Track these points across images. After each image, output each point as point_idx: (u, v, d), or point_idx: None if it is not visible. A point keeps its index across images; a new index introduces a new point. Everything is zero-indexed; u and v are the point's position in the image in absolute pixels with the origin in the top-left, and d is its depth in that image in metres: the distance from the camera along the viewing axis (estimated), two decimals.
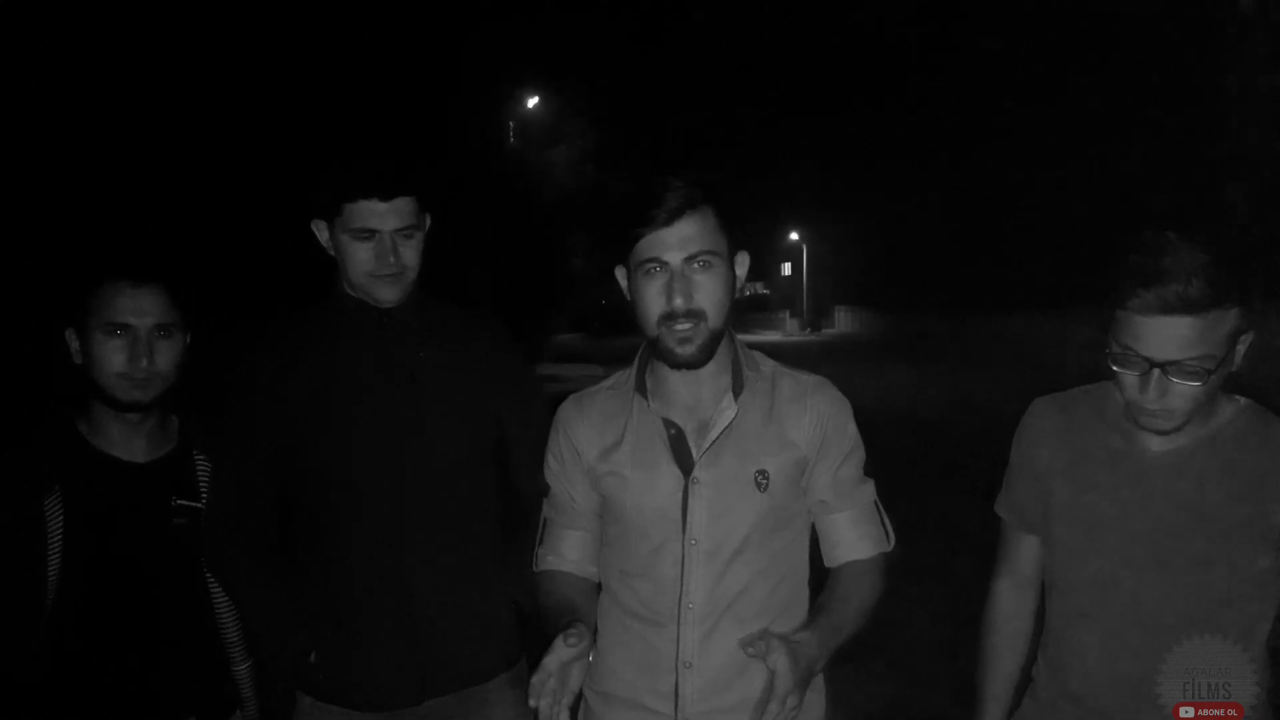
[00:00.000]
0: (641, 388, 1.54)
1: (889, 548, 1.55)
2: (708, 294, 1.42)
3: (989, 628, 1.69)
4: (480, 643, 1.79)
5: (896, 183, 33.85)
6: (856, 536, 1.53)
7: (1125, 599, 1.44)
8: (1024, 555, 1.65)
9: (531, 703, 1.24)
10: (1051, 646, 1.58)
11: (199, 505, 1.74)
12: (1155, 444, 1.43)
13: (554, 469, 1.62)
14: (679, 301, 1.40)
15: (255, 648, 1.82)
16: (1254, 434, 1.40)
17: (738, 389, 1.51)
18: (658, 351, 1.47)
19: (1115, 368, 1.36)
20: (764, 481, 1.47)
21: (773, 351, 1.65)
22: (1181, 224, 1.30)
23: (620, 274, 1.50)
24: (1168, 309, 1.25)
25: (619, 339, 22.87)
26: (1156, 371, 1.30)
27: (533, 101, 19.40)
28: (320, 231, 1.74)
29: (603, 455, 1.54)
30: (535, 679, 1.25)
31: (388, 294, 1.71)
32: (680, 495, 1.47)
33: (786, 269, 50.03)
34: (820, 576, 1.57)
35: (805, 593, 1.56)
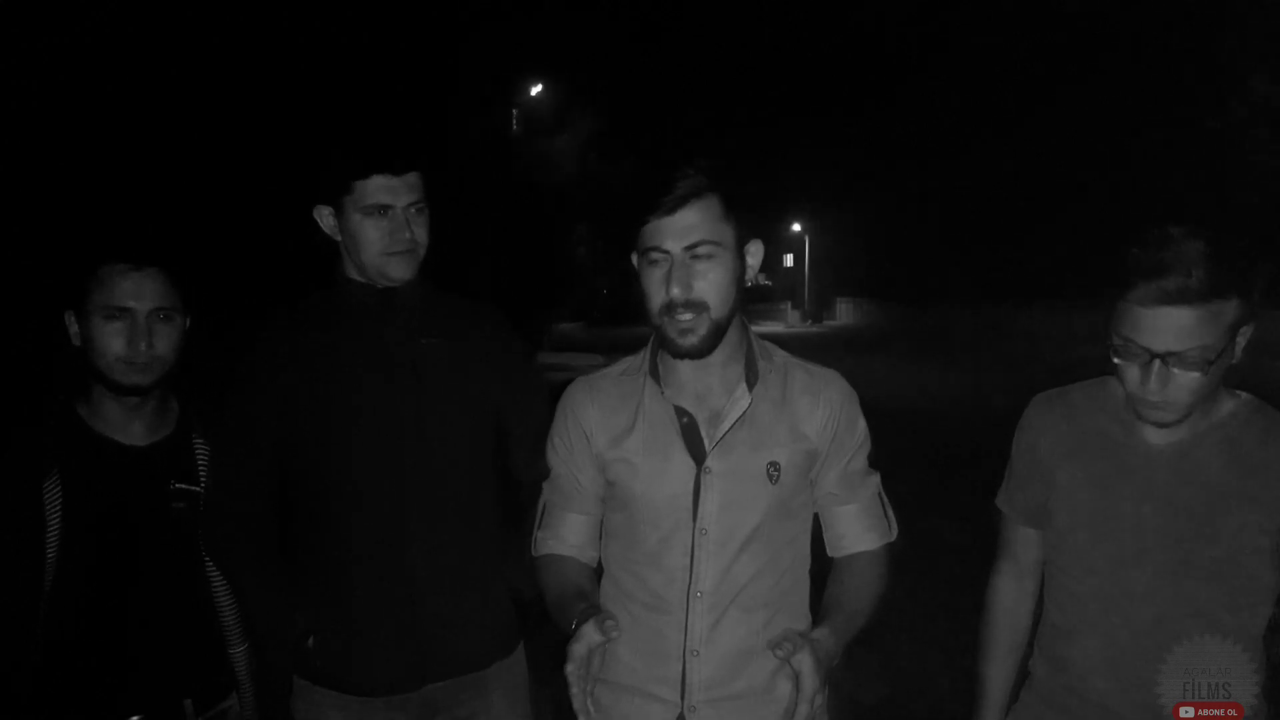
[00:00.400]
0: (654, 373, 1.53)
1: (893, 538, 1.56)
2: (710, 284, 1.40)
3: (989, 620, 1.70)
4: (479, 630, 1.79)
5: (899, 175, 33.83)
6: (863, 528, 1.54)
7: (1125, 591, 1.44)
8: (1024, 548, 1.65)
9: (573, 690, 1.24)
10: (1050, 640, 1.58)
11: (198, 489, 1.75)
12: (1156, 437, 1.43)
13: (560, 452, 1.60)
14: (677, 291, 1.39)
15: (253, 632, 1.82)
16: (1255, 428, 1.41)
17: (751, 379, 1.50)
18: (661, 341, 1.47)
19: (1117, 359, 1.36)
20: (775, 473, 1.47)
21: (775, 342, 1.64)
22: (1183, 218, 1.31)
23: (635, 260, 1.48)
24: (1168, 300, 1.26)
25: (620, 328, 22.89)
26: (1157, 362, 1.30)
27: (536, 89, 19.34)
28: (324, 218, 1.73)
29: (612, 441, 1.53)
30: (570, 668, 1.25)
31: (401, 271, 1.70)
32: (692, 485, 1.47)
33: (789, 260, 49.87)
34: (821, 565, 1.58)
35: (807, 580, 1.57)
